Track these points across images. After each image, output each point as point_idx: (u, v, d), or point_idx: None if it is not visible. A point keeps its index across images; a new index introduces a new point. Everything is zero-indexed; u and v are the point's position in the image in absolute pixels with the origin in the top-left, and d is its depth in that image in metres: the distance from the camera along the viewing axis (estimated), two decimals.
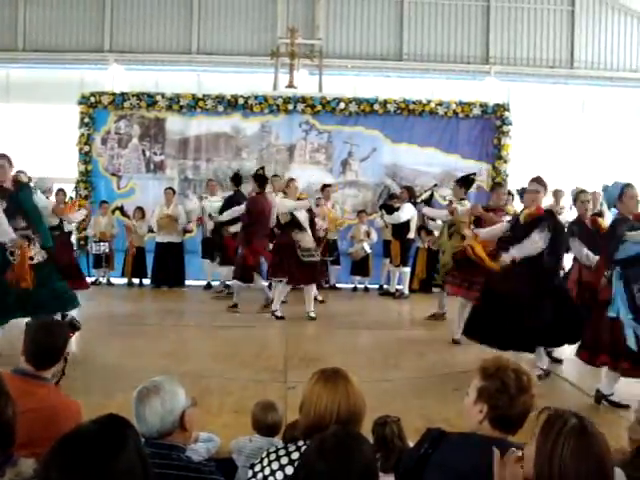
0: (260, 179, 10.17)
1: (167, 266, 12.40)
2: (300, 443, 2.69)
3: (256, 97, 13.20)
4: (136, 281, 12.84)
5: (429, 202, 11.78)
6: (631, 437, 2.74)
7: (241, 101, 13.17)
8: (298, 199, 10.00)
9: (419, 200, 11.42)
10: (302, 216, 9.86)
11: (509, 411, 2.56)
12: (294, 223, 9.72)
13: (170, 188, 12.57)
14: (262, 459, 2.73)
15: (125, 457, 1.80)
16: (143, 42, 16.54)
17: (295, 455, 2.64)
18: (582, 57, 17.62)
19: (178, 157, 13.36)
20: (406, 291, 11.96)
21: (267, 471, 2.66)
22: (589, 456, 2.12)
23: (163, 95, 13.28)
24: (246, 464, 3.60)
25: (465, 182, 9.75)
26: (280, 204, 9.93)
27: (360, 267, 12.70)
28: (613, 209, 6.60)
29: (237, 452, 3.95)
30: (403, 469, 2.81)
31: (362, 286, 12.97)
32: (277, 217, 9.98)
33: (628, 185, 6.05)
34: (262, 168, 10.61)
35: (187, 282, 12.63)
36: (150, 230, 12.62)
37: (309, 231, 9.85)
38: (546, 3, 17.40)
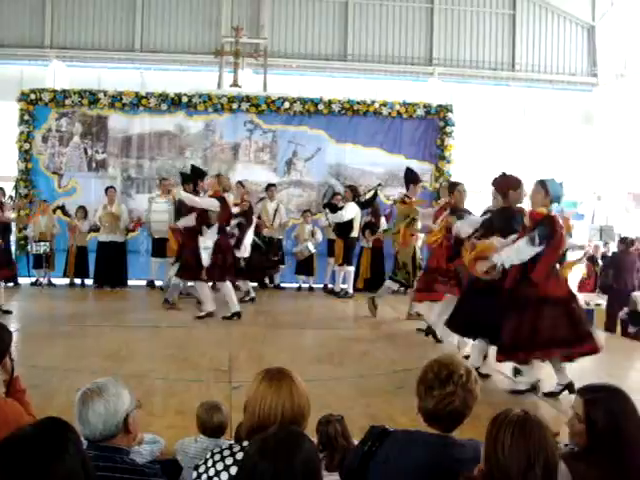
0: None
1: (109, 265, 12.22)
2: (245, 443, 2.68)
3: (200, 96, 13.11)
4: (78, 281, 12.62)
5: (373, 201, 11.91)
6: (570, 431, 2.83)
7: (185, 99, 13.07)
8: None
9: (362, 199, 11.57)
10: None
11: (438, 405, 2.61)
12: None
13: (112, 187, 12.40)
14: (206, 460, 2.72)
15: (66, 461, 1.78)
16: (85, 38, 16.30)
17: (240, 455, 2.62)
18: (523, 60, 17.96)
19: (121, 156, 13.19)
20: (350, 290, 12.03)
21: (212, 472, 2.64)
22: (529, 444, 2.21)
23: (105, 93, 13.09)
24: (191, 465, 3.57)
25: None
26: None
27: (305, 267, 12.72)
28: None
29: (182, 453, 3.93)
30: (347, 467, 2.84)
31: (307, 285, 12.98)
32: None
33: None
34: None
35: (130, 282, 12.50)
36: (92, 229, 12.44)
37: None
38: (488, 6, 17.69)
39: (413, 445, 2.61)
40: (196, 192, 10.07)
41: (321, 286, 12.95)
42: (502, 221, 6.76)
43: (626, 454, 2.59)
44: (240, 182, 10.45)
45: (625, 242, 12.56)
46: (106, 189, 12.31)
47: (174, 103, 13.09)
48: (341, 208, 11.54)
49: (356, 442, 3.12)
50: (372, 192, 11.87)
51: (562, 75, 18.10)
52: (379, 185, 12.19)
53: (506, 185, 6.81)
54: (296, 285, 13.04)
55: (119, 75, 15.68)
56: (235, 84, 13.85)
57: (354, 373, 6.88)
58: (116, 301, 11.27)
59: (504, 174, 6.91)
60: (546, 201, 6.08)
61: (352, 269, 12.09)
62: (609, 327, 11.37)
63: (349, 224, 11.50)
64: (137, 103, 13.05)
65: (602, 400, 2.74)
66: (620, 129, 17.57)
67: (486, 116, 17.06)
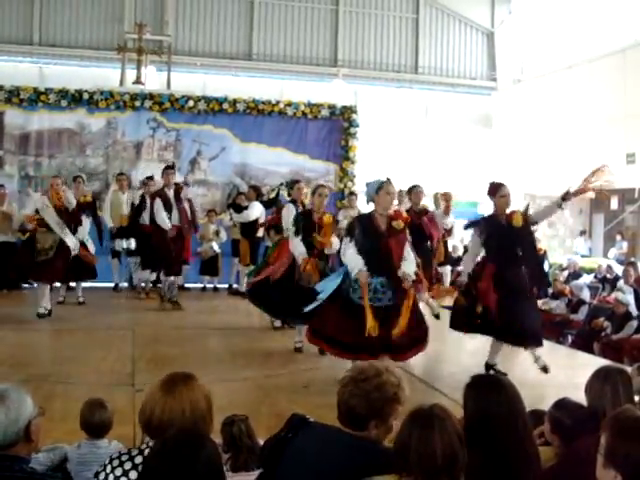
0: None
1: (2, 267, 11.74)
2: (143, 447, 2.67)
3: (102, 92, 12.79)
4: None
5: (276, 201, 11.95)
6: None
7: (86, 96, 12.72)
8: None
9: (266, 199, 11.59)
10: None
11: (350, 404, 2.63)
12: None
13: (1, 185, 11.95)
14: (105, 466, 2.68)
15: None
16: None
17: (138, 459, 2.60)
18: (426, 63, 18.40)
19: (18, 153, 12.72)
20: None
21: (111, 478, 2.62)
22: (435, 440, 2.25)
23: (2, 87, 12.60)
24: (79, 470, 3.52)
25: None
26: None
27: (209, 267, 12.64)
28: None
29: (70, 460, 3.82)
30: (264, 453, 2.87)
31: (211, 286, 12.90)
32: None
33: (386, 182, 6.26)
34: None
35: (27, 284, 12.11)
36: None
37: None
38: (392, 10, 18.03)
39: (334, 446, 2.62)
40: None
41: (226, 286, 12.89)
42: None
43: (496, 442, 2.68)
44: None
45: None
46: None
47: (74, 100, 12.72)
48: (246, 208, 11.54)
49: (262, 442, 3.15)
50: (275, 192, 11.91)
51: (463, 79, 18.64)
52: (281, 185, 12.23)
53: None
54: (200, 285, 12.94)
55: (16, 69, 15.21)
56: (138, 81, 13.64)
57: (259, 373, 6.90)
58: (13, 304, 10.90)
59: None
60: None
61: None
62: None
63: (254, 224, 11.51)
64: (35, 99, 12.62)
65: (477, 387, 2.87)
66: (517, 132, 18.22)
67: (389, 117, 17.36)
